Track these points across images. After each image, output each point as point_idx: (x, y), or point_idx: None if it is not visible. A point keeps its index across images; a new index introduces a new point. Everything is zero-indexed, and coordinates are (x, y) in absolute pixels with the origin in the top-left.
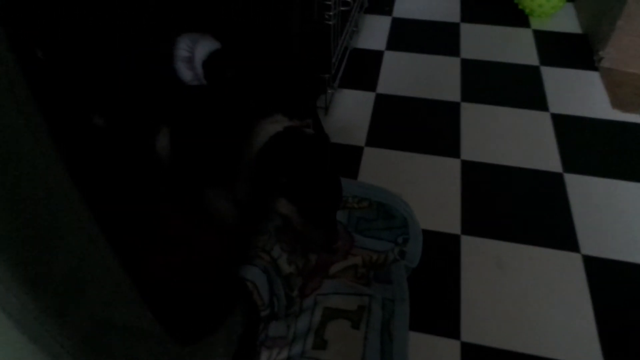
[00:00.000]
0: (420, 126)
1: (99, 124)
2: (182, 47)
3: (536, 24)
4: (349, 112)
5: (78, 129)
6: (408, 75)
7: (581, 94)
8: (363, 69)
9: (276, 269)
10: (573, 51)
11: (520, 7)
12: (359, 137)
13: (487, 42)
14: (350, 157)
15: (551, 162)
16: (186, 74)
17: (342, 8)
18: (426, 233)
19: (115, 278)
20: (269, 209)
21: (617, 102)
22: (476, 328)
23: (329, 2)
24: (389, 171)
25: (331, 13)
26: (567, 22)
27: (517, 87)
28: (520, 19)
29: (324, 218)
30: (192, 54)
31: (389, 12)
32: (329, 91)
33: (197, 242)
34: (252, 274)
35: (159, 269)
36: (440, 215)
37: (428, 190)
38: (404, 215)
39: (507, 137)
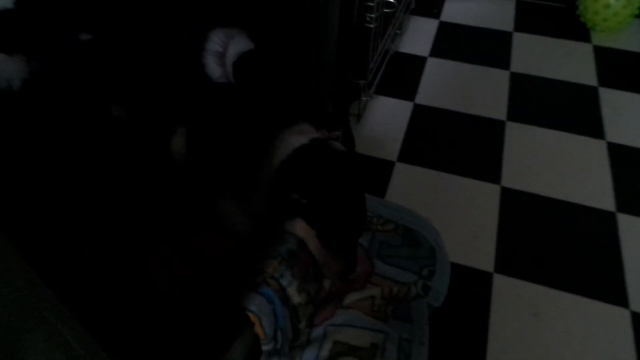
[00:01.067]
0: (459, 144)
1: (117, 115)
2: (215, 41)
3: (598, 39)
4: (383, 122)
5: (96, 118)
6: (451, 86)
7: None
8: (403, 76)
9: (284, 298)
10: (638, 73)
11: (581, 19)
12: (391, 150)
13: (541, 56)
14: (379, 172)
15: (604, 198)
16: (215, 69)
17: (385, 10)
18: (455, 267)
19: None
20: (283, 230)
21: None
22: None
23: (371, 4)
24: (420, 192)
25: (373, 15)
26: (634, 40)
27: (570, 109)
28: (580, 32)
29: (344, 245)
30: (225, 49)
31: (437, 14)
32: (364, 98)
33: (205, 257)
34: (257, 304)
35: (162, 282)
36: (472, 247)
37: (461, 218)
38: (432, 244)
39: (556, 165)
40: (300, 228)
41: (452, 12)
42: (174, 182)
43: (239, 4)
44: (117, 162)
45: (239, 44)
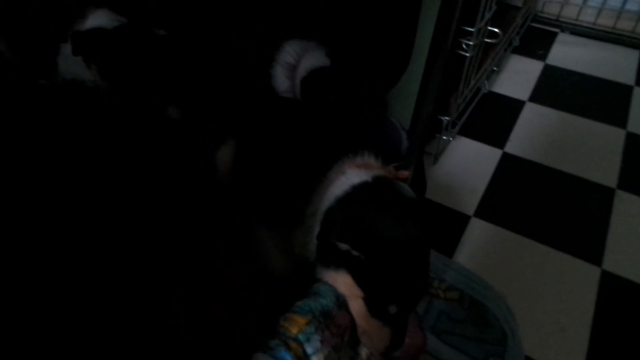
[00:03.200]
0: (553, 208)
1: (172, 115)
2: (288, 52)
3: None
4: (464, 167)
5: (152, 115)
6: (551, 138)
7: None
8: (494, 119)
9: None
10: None
11: None
12: (469, 202)
13: None
14: (450, 226)
15: None
16: (282, 82)
17: (486, 40)
18: None
19: None
20: (320, 280)
21: None
22: None
23: (472, 29)
24: (497, 258)
25: (471, 43)
26: None
27: None
28: None
29: (395, 314)
30: (297, 62)
31: (542, 56)
32: (445, 137)
33: (231, 295)
34: None
35: (177, 311)
36: (556, 343)
37: (546, 302)
38: (504, 328)
39: None
40: (343, 284)
41: (560, 56)
42: (212, 197)
43: (323, 15)
44: (158, 164)
45: (313, 59)
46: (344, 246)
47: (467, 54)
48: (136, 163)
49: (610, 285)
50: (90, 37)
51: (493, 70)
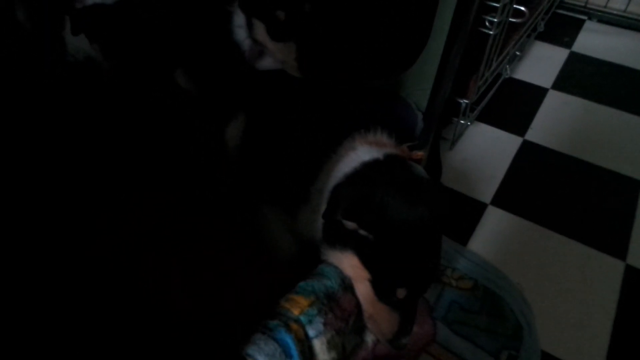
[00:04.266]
0: (575, 199)
1: (179, 79)
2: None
3: None
4: (481, 154)
5: (159, 80)
6: (574, 126)
7: None
8: (514, 105)
9: (307, 352)
10: None
11: None
12: (486, 189)
13: None
14: (465, 214)
15: None
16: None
17: (511, 19)
18: (547, 358)
19: None
20: (330, 264)
21: None
22: None
23: (497, 4)
24: (514, 248)
25: (496, 20)
26: None
27: None
28: None
29: (404, 299)
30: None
31: (567, 43)
32: (462, 122)
33: (235, 271)
34: (267, 354)
35: (179, 292)
36: (574, 339)
37: (564, 295)
38: (520, 320)
39: None
40: (349, 265)
41: (587, 44)
42: (220, 174)
43: None
44: (165, 141)
45: None
46: (350, 224)
47: (491, 32)
48: (142, 142)
49: (635, 280)
50: (90, 15)
51: (516, 55)
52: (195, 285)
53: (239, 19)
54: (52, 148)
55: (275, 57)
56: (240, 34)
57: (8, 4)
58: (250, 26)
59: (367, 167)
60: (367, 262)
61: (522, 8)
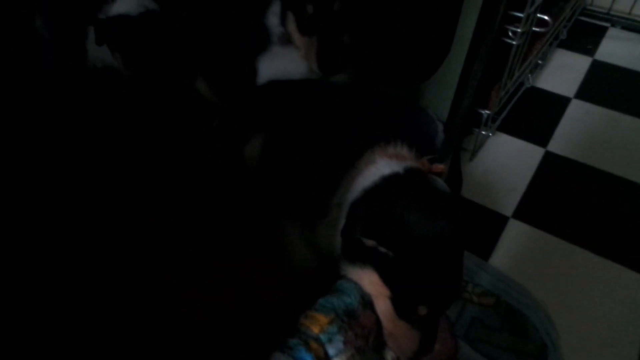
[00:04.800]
0: (600, 213)
1: (200, 88)
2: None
3: None
4: (503, 165)
5: (180, 91)
6: (598, 137)
7: None
8: (536, 115)
9: None
10: None
11: None
12: (507, 202)
13: None
14: (487, 227)
15: None
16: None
17: (534, 29)
18: None
19: None
20: (350, 280)
21: None
22: None
23: (521, 14)
24: (537, 263)
25: (519, 30)
26: None
27: None
28: None
29: (425, 317)
30: None
31: (590, 51)
32: (483, 132)
33: (253, 291)
34: None
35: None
36: (602, 358)
37: (590, 313)
38: (545, 339)
39: None
40: (369, 282)
41: (611, 51)
42: (239, 188)
43: None
44: (182, 154)
45: None
46: (369, 242)
47: (514, 42)
48: (159, 152)
49: None
50: (114, 26)
51: (538, 64)
52: (214, 300)
53: (276, 6)
54: (69, 156)
55: (299, 49)
56: (273, 20)
57: (27, 11)
58: (283, 15)
59: (387, 182)
60: (387, 279)
61: (546, 17)
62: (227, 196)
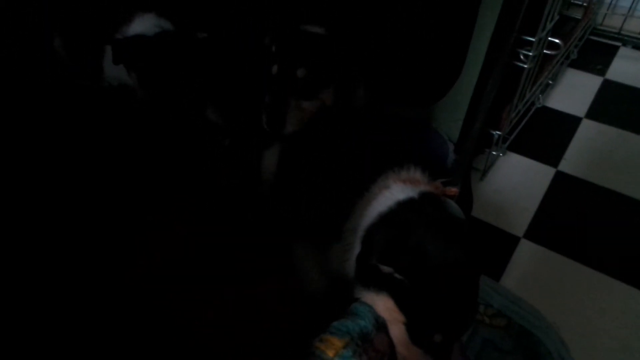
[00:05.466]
0: (614, 234)
1: (211, 117)
2: None
3: None
4: (513, 185)
5: (192, 116)
6: (610, 157)
7: None
8: (547, 135)
9: None
10: None
11: None
12: (519, 222)
13: None
14: (498, 247)
15: None
16: None
17: (545, 51)
18: None
19: None
20: (359, 300)
21: None
22: None
23: (532, 39)
24: (551, 285)
25: (531, 54)
26: None
27: None
28: None
29: (440, 343)
30: None
31: (601, 71)
32: (494, 152)
33: (264, 314)
34: None
35: (211, 327)
36: None
37: (604, 337)
38: None
39: None
40: (384, 308)
41: (622, 71)
42: (253, 205)
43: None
44: (197, 167)
45: None
46: (386, 269)
47: (525, 66)
48: (170, 169)
49: None
50: (131, 45)
51: (548, 84)
52: (224, 320)
53: None
54: (79, 168)
55: None
56: None
57: (28, 12)
58: None
59: (403, 208)
60: (403, 306)
61: (557, 40)
62: (239, 215)
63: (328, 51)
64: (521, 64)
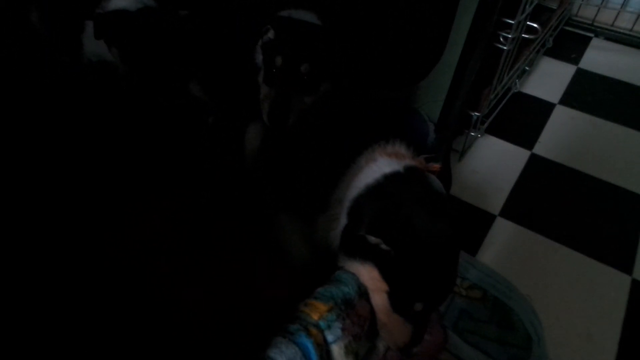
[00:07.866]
0: (582, 212)
1: (194, 91)
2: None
3: None
4: (490, 166)
5: (174, 91)
6: (580, 141)
7: None
8: (523, 119)
9: (324, 357)
10: None
11: None
12: (494, 201)
13: None
14: (474, 224)
15: None
16: None
17: (524, 35)
18: None
19: None
20: (347, 271)
21: None
22: None
23: (512, 21)
24: (522, 259)
25: (510, 36)
26: None
27: None
28: None
29: (419, 311)
30: None
31: (575, 60)
32: (472, 134)
33: (252, 281)
34: (286, 356)
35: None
36: (582, 350)
37: (572, 307)
38: (530, 332)
39: None
40: (369, 277)
41: (594, 60)
42: (238, 178)
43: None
44: (180, 144)
45: None
46: (374, 240)
47: (505, 48)
48: (155, 144)
49: None
50: (112, 20)
51: (525, 70)
52: (212, 295)
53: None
54: (64, 151)
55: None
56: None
57: (23, 6)
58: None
59: (389, 180)
60: (387, 275)
61: (535, 25)
62: (223, 191)
63: (329, 45)
64: (501, 46)
